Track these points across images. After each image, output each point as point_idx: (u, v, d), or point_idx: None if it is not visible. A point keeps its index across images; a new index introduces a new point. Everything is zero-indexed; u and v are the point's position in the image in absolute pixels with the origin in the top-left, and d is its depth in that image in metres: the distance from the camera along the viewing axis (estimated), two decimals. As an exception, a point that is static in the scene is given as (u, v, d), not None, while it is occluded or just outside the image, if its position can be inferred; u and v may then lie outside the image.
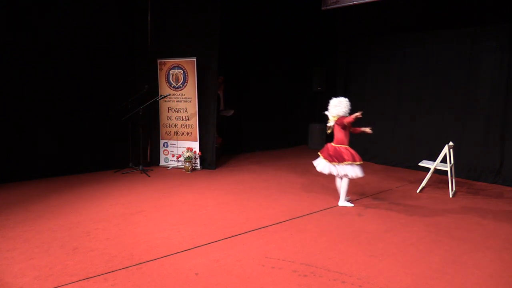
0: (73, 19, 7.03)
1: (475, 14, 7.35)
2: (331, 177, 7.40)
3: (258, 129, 10.17)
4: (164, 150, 8.13)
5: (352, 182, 7.11)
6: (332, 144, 5.68)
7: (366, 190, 6.58)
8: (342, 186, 5.72)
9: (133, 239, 4.39)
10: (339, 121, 5.54)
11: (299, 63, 10.71)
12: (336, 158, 5.53)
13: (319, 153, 5.84)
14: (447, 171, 6.34)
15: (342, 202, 5.75)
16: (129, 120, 7.52)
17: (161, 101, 7.99)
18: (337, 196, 5.93)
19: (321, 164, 5.75)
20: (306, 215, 5.32)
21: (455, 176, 6.75)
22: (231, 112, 8.91)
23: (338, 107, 5.59)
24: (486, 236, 4.71)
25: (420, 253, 4.19)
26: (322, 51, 10.73)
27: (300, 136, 11.04)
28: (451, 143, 6.40)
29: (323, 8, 8.24)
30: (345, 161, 5.49)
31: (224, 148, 9.07)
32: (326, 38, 10.50)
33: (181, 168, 7.89)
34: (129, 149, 7.73)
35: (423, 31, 8.12)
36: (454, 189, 6.44)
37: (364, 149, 8.98)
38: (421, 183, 6.69)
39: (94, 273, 3.58)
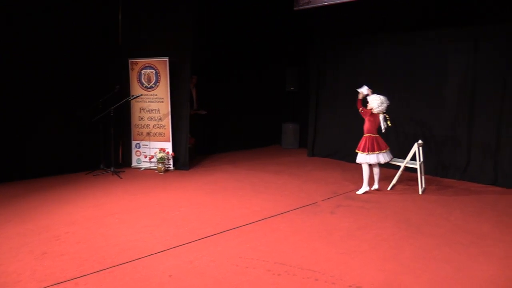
0: (40, 16, 6.84)
1: (442, 16, 7.53)
2: (304, 177, 7.51)
3: (231, 129, 10.16)
4: (136, 151, 8.02)
5: (325, 180, 7.22)
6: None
7: (338, 189, 6.66)
8: (376, 172, 6.52)
9: (105, 242, 4.32)
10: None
11: (272, 63, 10.75)
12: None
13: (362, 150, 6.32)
14: (416, 168, 6.49)
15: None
16: (100, 121, 7.38)
17: (133, 102, 7.88)
18: (310, 195, 5.98)
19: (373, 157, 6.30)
20: (279, 214, 5.34)
21: (425, 174, 6.91)
22: (204, 112, 8.86)
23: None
24: (454, 231, 4.84)
25: (391, 249, 4.27)
26: (295, 51, 10.80)
27: (274, 136, 11.09)
28: (420, 142, 6.55)
29: (295, 9, 8.29)
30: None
31: (198, 148, 9.02)
32: (299, 38, 10.57)
33: (154, 169, 7.80)
34: (101, 151, 7.59)
35: (394, 31, 8.28)
36: (423, 186, 6.60)
37: (336, 148, 9.13)
38: (392, 180, 6.83)
39: (64, 278, 3.49)
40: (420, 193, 6.46)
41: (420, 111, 7.97)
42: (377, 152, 6.23)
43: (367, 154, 6.25)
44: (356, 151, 6.39)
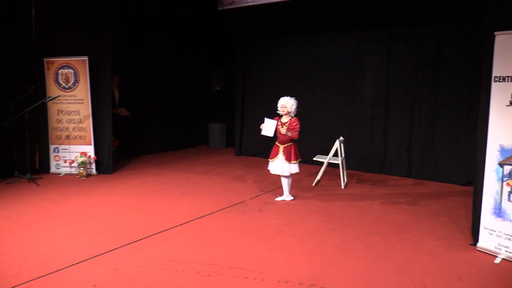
0: None
1: (360, 18, 7.93)
2: (232, 176, 7.55)
3: (157, 130, 9.93)
4: (55, 155, 7.57)
5: (253, 178, 7.31)
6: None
7: (266, 187, 6.77)
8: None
9: (22, 254, 4.03)
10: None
11: (198, 63, 10.65)
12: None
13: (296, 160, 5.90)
14: (339, 164, 6.79)
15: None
16: (12, 124, 6.86)
17: (50, 103, 7.42)
18: (238, 194, 6.03)
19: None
20: (208, 214, 5.33)
21: (346, 169, 7.24)
22: (127, 113, 8.57)
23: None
24: (373, 221, 5.13)
25: (317, 242, 4.43)
26: (221, 51, 10.79)
27: (200, 136, 11.01)
28: (341, 138, 6.86)
29: (219, 9, 8.28)
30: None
31: (122, 151, 8.71)
32: (224, 38, 10.58)
33: (75, 174, 7.41)
34: (14, 157, 7.06)
35: (315, 32, 8.57)
36: (345, 180, 6.92)
37: (263, 147, 9.26)
38: (316, 176, 7.08)
39: (-26, 297, 3.22)
40: (342, 187, 6.76)
41: (341, 109, 8.33)
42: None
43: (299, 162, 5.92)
44: (293, 161, 5.77)
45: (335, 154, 6.80)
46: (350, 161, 7.84)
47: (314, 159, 7.13)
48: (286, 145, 5.80)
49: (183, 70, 10.33)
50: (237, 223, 5.01)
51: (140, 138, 9.57)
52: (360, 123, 8.14)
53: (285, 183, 6.00)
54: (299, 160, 5.88)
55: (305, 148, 8.58)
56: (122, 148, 8.69)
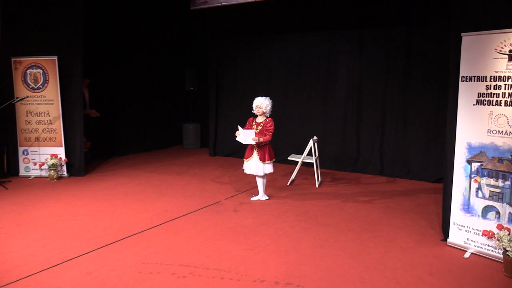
0: None
1: (332, 20, 8.02)
2: (206, 176, 7.52)
3: (130, 131, 9.79)
4: (24, 158, 7.36)
5: (228, 179, 7.30)
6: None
7: (241, 186, 6.77)
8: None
9: (-11, 260, 3.91)
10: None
11: (171, 63, 10.57)
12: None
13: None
14: (313, 163, 6.85)
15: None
16: (-22, 126, 6.66)
17: (18, 104, 7.21)
18: (213, 195, 6.02)
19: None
20: (183, 215, 5.29)
21: (320, 168, 7.32)
22: (97, 114, 8.42)
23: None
24: (347, 219, 5.20)
25: (292, 241, 4.46)
26: (194, 51, 10.71)
27: (175, 136, 10.91)
28: (315, 138, 6.93)
29: (192, 8, 8.22)
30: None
31: (94, 153, 8.55)
32: (197, 38, 10.51)
33: (46, 177, 7.23)
34: (-20, 160, 6.85)
35: (287, 32, 8.62)
36: (320, 179, 6.99)
37: (237, 147, 9.26)
38: (290, 176, 7.12)
39: None
40: (317, 186, 6.83)
41: (314, 109, 8.41)
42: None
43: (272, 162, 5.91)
44: (267, 161, 5.77)
45: (309, 154, 6.86)
46: (324, 160, 7.93)
47: (288, 158, 7.17)
48: (260, 145, 5.81)
49: (156, 70, 10.22)
50: (213, 224, 4.99)
51: (112, 139, 9.42)
52: (333, 123, 8.23)
53: (260, 183, 6.01)
54: (274, 160, 5.90)
55: (279, 148, 8.64)
56: (94, 149, 8.53)
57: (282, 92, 8.73)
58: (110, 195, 6.23)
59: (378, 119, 7.80)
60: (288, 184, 6.96)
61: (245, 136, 5.66)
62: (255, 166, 5.81)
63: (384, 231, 4.81)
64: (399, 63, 7.50)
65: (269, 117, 5.82)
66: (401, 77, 7.51)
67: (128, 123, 9.74)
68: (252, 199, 6.06)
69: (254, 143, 5.71)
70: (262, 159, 5.77)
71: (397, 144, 7.64)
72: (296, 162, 6.99)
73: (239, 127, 5.73)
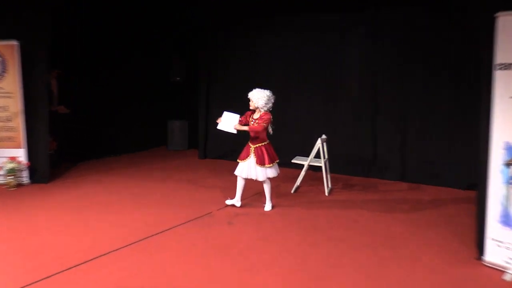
0: None
1: (342, 1, 7.98)
2: (195, 183, 7.47)
3: (106, 130, 9.74)
4: (-23, 162, 7.32)
5: (220, 185, 7.24)
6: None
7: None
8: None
9: None
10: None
11: (154, 49, 10.54)
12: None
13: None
14: (321, 166, 6.79)
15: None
16: None
17: (-30, 98, 7.17)
18: (203, 204, 5.98)
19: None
20: (167, 230, 5.24)
21: (330, 172, 7.25)
22: (67, 110, 8.37)
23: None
24: (362, 233, 5.15)
25: (297, 260, 4.40)
26: (182, 36, 10.68)
27: (158, 136, 10.87)
28: (324, 137, 6.87)
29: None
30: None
31: (62, 155, 8.51)
32: (186, 21, 10.46)
33: (2, 184, 7.17)
34: None
35: (292, 14, 8.55)
36: (329, 186, 6.93)
37: (231, 148, 9.21)
38: (295, 182, 7.06)
39: None
40: (326, 194, 6.77)
41: (322, 104, 8.37)
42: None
43: (275, 164, 5.91)
44: (267, 164, 5.76)
45: (317, 155, 6.80)
46: (335, 163, 7.85)
47: (292, 161, 7.10)
48: (257, 145, 5.75)
49: (137, 58, 10.19)
50: (202, 240, 4.94)
51: (84, 139, 9.35)
52: (344, 119, 8.19)
53: (266, 190, 6.00)
54: (277, 161, 5.86)
55: (281, 149, 8.51)
56: (62, 151, 8.51)
57: (282, 87, 8.65)
58: (80, 205, 6.18)
59: (397, 115, 7.74)
60: (292, 191, 6.91)
61: (227, 121, 5.61)
62: (254, 169, 5.76)
63: (407, 247, 4.75)
64: (419, 50, 7.44)
65: (266, 111, 5.78)
66: (422, 65, 7.46)
67: (103, 121, 9.68)
68: (227, 202, 6.06)
69: (235, 132, 5.68)
70: (261, 163, 5.70)
71: (421, 144, 7.59)
72: (302, 166, 6.93)
73: (224, 112, 5.67)
